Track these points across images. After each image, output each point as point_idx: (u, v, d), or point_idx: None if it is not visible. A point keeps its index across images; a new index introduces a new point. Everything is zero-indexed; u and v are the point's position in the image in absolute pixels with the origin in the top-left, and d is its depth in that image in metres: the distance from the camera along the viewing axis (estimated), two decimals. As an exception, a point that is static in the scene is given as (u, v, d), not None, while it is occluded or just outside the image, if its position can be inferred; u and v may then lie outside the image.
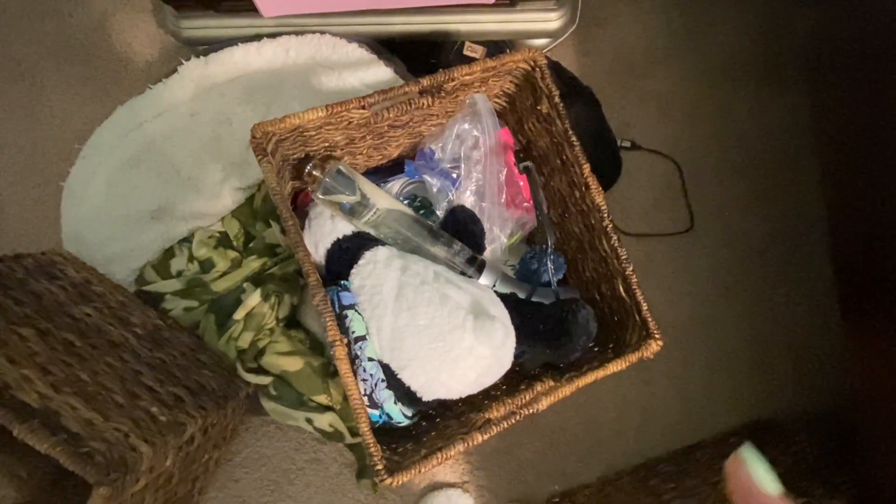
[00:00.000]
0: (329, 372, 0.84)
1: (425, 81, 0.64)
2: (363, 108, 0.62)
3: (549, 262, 0.74)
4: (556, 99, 0.68)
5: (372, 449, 0.54)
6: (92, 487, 0.53)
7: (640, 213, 1.02)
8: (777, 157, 1.03)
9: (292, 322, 0.85)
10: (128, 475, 0.55)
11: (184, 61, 0.87)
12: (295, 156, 0.70)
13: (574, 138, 0.67)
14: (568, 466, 0.93)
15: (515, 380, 0.71)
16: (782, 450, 0.77)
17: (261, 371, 0.82)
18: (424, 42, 0.96)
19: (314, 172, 0.69)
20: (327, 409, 0.84)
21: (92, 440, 0.56)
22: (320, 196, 0.69)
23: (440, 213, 0.79)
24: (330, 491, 0.91)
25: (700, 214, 1.01)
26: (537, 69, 0.68)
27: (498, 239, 0.81)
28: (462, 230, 0.76)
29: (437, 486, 0.91)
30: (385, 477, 0.54)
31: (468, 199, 0.81)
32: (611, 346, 0.71)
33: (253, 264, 0.84)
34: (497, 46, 1.00)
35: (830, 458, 0.75)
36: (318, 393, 0.83)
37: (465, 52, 1.00)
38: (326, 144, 0.70)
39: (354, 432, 0.86)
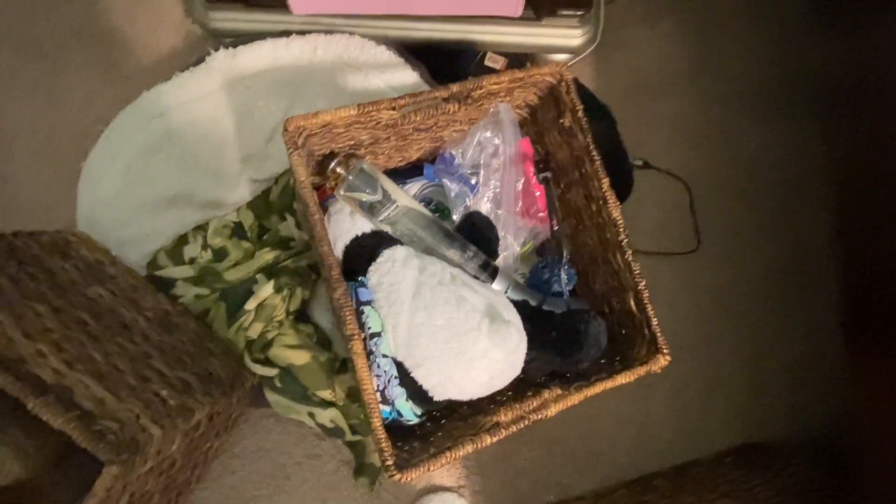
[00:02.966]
0: (334, 368, 0.84)
1: (455, 88, 0.65)
2: (393, 109, 0.64)
3: (561, 278, 0.75)
4: (580, 113, 0.69)
5: (383, 444, 0.55)
6: (102, 466, 0.54)
7: (647, 231, 1.03)
8: (784, 183, 1.06)
9: (301, 316, 0.86)
10: (137, 455, 0.56)
11: (212, 51, 0.88)
12: (320, 152, 0.71)
13: (595, 153, 0.69)
14: (563, 477, 0.94)
15: (522, 387, 0.71)
16: (777, 471, 0.78)
17: (267, 363, 0.82)
18: (448, 50, 0.98)
19: (338, 169, 0.70)
20: (330, 404, 0.85)
21: (104, 419, 0.56)
22: (343, 193, 0.70)
23: (456, 217, 0.81)
24: (326, 487, 0.91)
25: (706, 236, 1.03)
26: (563, 83, 0.70)
27: (511, 247, 0.82)
28: (477, 235, 0.77)
29: (433, 489, 0.91)
30: (395, 472, 0.54)
31: (484, 206, 0.82)
32: (618, 358, 0.72)
33: (266, 256, 0.85)
34: (517, 58, 1.02)
35: (826, 484, 0.76)
36: (322, 388, 0.83)
37: (487, 63, 1.01)
38: (352, 142, 0.71)
39: (354, 430, 0.87)
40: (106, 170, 0.86)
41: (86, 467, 0.58)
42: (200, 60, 0.88)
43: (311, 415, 0.84)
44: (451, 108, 0.70)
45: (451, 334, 0.59)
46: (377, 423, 0.56)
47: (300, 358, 0.82)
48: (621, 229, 0.68)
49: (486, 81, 0.67)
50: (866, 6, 0.93)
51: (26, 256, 0.73)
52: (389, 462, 0.55)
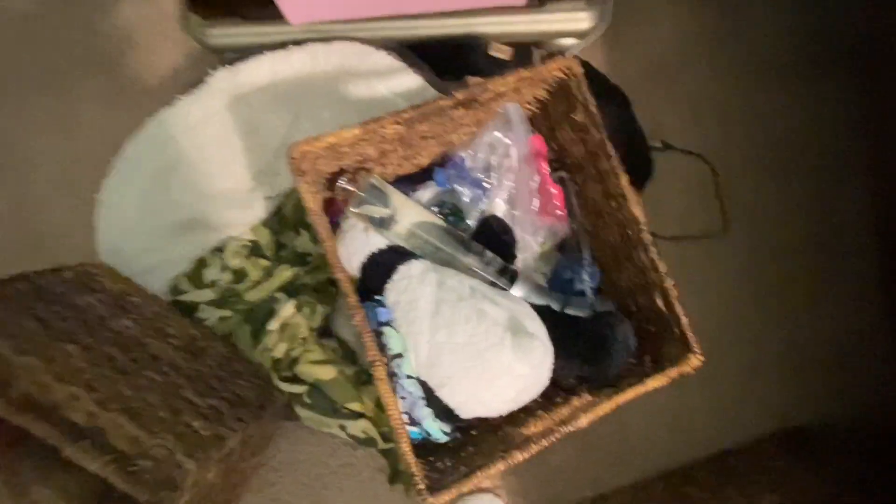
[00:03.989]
0: (362, 380, 0.84)
1: (460, 95, 0.63)
2: (398, 123, 0.62)
3: (584, 274, 0.73)
4: (593, 108, 0.66)
5: (414, 469, 0.55)
6: (141, 505, 0.55)
7: (672, 215, 1.00)
8: (814, 157, 1.00)
9: (325, 331, 0.86)
10: (175, 492, 0.57)
11: (211, 71, 0.87)
12: (328, 170, 0.69)
13: (611, 149, 0.66)
14: (599, 473, 0.93)
15: (551, 392, 0.70)
16: (824, 461, 0.76)
17: (295, 380, 0.83)
18: (450, 43, 0.95)
19: (347, 187, 0.69)
20: (360, 415, 0.85)
21: (139, 458, 0.57)
22: (354, 210, 0.69)
23: (472, 222, 0.79)
24: (363, 495, 0.92)
25: (735, 217, 0.99)
26: (573, 77, 0.67)
27: (530, 247, 0.80)
28: (494, 240, 0.75)
29: (470, 490, 0.92)
30: (427, 497, 0.54)
31: (500, 208, 0.80)
32: (647, 358, 0.70)
33: (285, 273, 0.85)
34: (524, 45, 0.98)
35: (877, 472, 0.73)
36: (352, 401, 0.83)
37: (492, 53, 0.98)
38: (359, 158, 0.69)
39: (387, 438, 0.87)
40: (121, 200, 0.86)
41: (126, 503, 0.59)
42: (201, 80, 0.87)
43: (343, 427, 0.85)
44: (458, 114, 0.68)
45: (474, 352, 0.58)
46: (406, 447, 0.55)
47: (327, 373, 0.82)
48: (643, 227, 0.65)
49: (491, 84, 0.64)
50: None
51: (52, 295, 0.74)
52: (421, 486, 0.54)
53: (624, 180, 0.66)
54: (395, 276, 0.66)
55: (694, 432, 0.94)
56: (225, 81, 0.85)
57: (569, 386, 0.70)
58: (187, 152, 0.86)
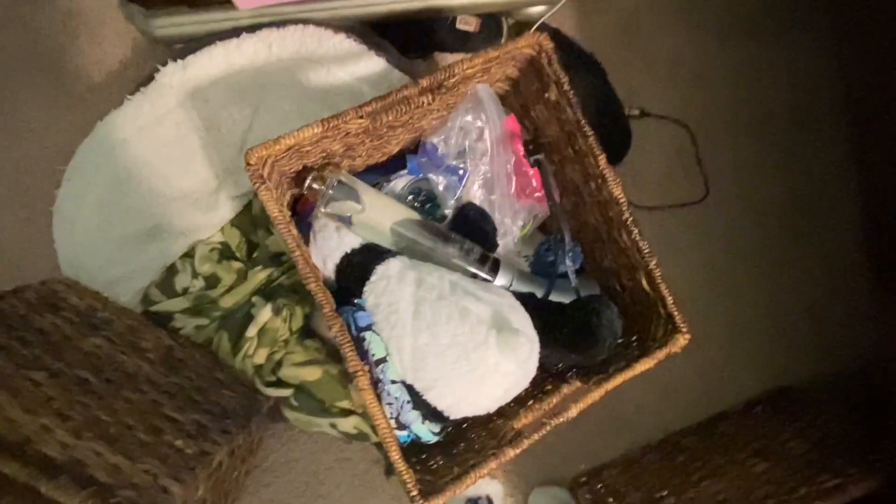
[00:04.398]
0: (348, 377, 0.83)
1: (425, 82, 0.59)
2: (361, 117, 0.58)
3: (565, 258, 0.71)
4: (566, 86, 0.63)
5: (405, 476, 0.54)
6: (128, 535, 0.53)
7: (652, 183, 0.98)
8: (793, 115, 0.98)
9: (306, 331, 0.84)
10: (162, 519, 0.55)
11: (160, 67, 0.81)
12: (292, 169, 0.66)
13: (587, 128, 0.63)
14: (593, 446, 0.94)
15: (540, 379, 0.69)
16: (809, 421, 0.77)
17: (280, 383, 0.81)
18: (414, 19, 0.89)
19: (314, 185, 0.66)
20: (350, 412, 0.84)
21: (121, 488, 0.55)
22: (324, 210, 0.66)
23: (448, 211, 0.76)
24: (361, 488, 0.92)
25: (715, 181, 0.98)
26: (543, 54, 0.63)
27: (510, 231, 0.78)
28: (473, 228, 0.73)
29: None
30: (420, 501, 0.53)
31: (476, 193, 0.77)
32: (634, 339, 0.70)
33: (259, 276, 0.82)
34: (492, 16, 0.93)
35: (861, 430, 0.74)
36: (340, 399, 0.82)
37: (459, 26, 0.93)
38: (325, 154, 0.66)
39: (379, 431, 0.86)
40: (78, 210, 0.81)
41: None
42: (150, 77, 0.82)
43: (333, 425, 0.84)
44: (425, 101, 0.64)
45: (459, 353, 0.56)
46: (395, 455, 0.54)
47: (312, 374, 0.80)
48: (624, 208, 0.63)
49: (458, 68, 0.61)
50: None
51: (14, 320, 0.71)
52: (414, 493, 0.54)
53: (602, 160, 0.63)
54: (373, 278, 0.63)
55: (685, 400, 0.95)
56: (176, 76, 0.80)
57: (558, 372, 0.70)
58: (142, 155, 0.81)
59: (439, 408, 0.58)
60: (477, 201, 0.77)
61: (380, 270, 0.63)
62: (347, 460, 0.92)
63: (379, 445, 0.89)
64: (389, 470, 0.89)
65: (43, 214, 0.88)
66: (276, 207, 0.54)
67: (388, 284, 0.62)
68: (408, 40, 0.91)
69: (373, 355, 0.59)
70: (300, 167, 0.66)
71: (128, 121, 0.80)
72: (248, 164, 0.54)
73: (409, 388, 0.59)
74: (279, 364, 0.81)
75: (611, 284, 0.74)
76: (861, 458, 0.65)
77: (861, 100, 0.86)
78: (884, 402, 0.73)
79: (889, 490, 0.62)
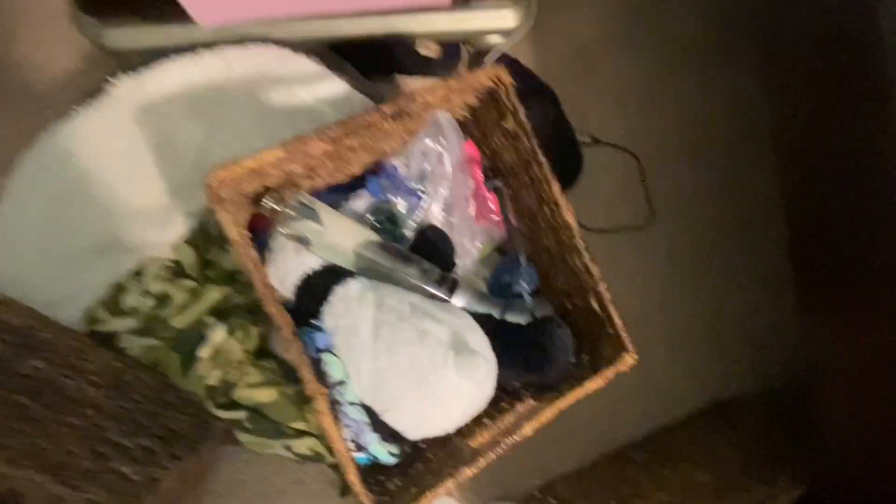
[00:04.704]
0: (304, 398, 0.82)
1: (388, 109, 0.61)
2: (324, 142, 0.59)
3: (521, 279, 0.74)
4: (522, 117, 0.66)
5: (363, 498, 0.54)
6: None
7: (601, 206, 1.03)
8: (733, 143, 1.06)
9: (261, 352, 0.83)
10: (107, 551, 0.53)
11: (111, 79, 0.79)
12: (251, 189, 0.65)
13: (542, 157, 0.66)
14: (546, 460, 0.96)
15: (495, 397, 0.71)
16: (744, 433, 0.82)
17: (233, 405, 0.79)
18: (376, 42, 0.91)
19: (274, 206, 0.66)
20: (305, 433, 0.83)
21: (63, 521, 0.53)
22: (282, 231, 0.66)
23: (408, 231, 0.77)
24: (314, 510, 0.90)
25: (660, 203, 1.04)
26: (501, 86, 0.66)
27: (469, 252, 0.80)
28: (433, 250, 0.75)
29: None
30: (378, 524, 0.54)
31: (436, 215, 0.79)
32: (585, 356, 0.73)
33: (213, 295, 0.80)
34: (452, 43, 0.96)
35: (790, 441, 0.80)
36: (295, 420, 0.81)
37: (420, 51, 0.95)
38: (284, 175, 0.66)
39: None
40: (19, 226, 0.78)
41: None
42: (99, 87, 0.79)
43: (288, 447, 0.82)
44: (388, 125, 0.65)
45: (419, 375, 0.57)
46: (353, 478, 0.55)
47: (267, 395, 0.79)
48: (576, 234, 0.67)
49: (419, 96, 0.62)
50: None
51: (-58, 340, 0.67)
52: (372, 516, 0.54)
53: (556, 188, 0.67)
54: (332, 299, 0.63)
55: (633, 413, 0.99)
56: (129, 90, 0.78)
57: (513, 389, 0.72)
58: (91, 170, 0.78)
59: (398, 429, 0.59)
60: (437, 223, 0.78)
61: (339, 292, 0.64)
62: (301, 482, 0.91)
63: (335, 466, 0.88)
64: (345, 490, 0.88)
65: (-23, 228, 0.83)
66: (234, 230, 0.54)
67: (347, 306, 0.62)
68: (369, 63, 0.92)
69: (331, 377, 0.60)
70: (259, 187, 0.66)
71: (75, 133, 0.77)
72: (207, 185, 0.53)
73: (368, 410, 0.60)
74: (233, 386, 0.79)
75: (563, 305, 0.77)
76: (790, 467, 0.71)
77: (784, 128, 0.93)
78: (807, 413, 0.79)
79: (812, 499, 0.67)
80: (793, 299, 0.90)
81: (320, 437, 0.83)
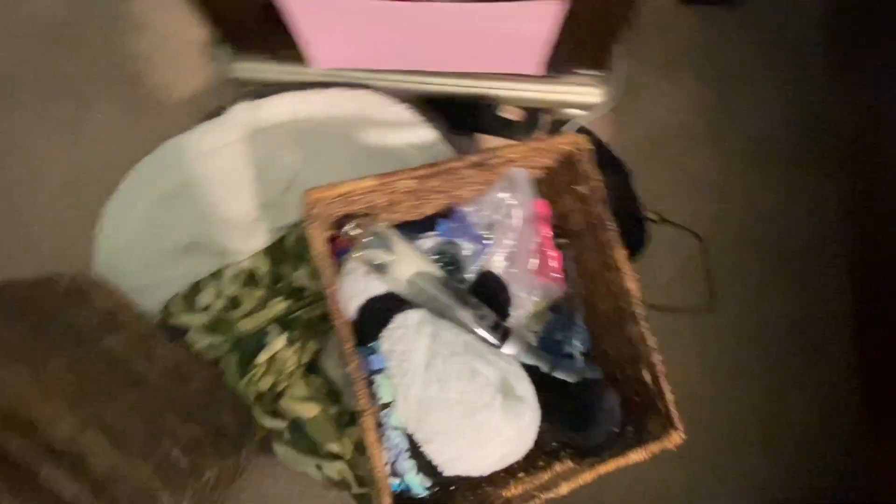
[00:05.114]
0: (343, 421, 0.84)
1: (474, 158, 0.66)
2: (412, 179, 0.64)
3: (574, 338, 0.74)
4: (597, 183, 0.69)
5: (392, 524, 0.55)
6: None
7: (661, 285, 1.02)
8: (802, 242, 1.05)
9: (311, 367, 0.86)
10: (147, 525, 0.56)
11: (229, 107, 0.89)
12: (337, 213, 0.71)
13: (610, 223, 0.69)
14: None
15: (533, 455, 0.70)
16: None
17: (277, 415, 0.82)
18: (463, 102, 0.99)
19: (352, 232, 0.71)
20: (338, 457, 0.84)
21: (115, 487, 0.56)
22: (356, 254, 0.70)
23: (469, 275, 0.80)
24: (331, 539, 0.90)
25: (721, 290, 1.02)
26: (581, 153, 0.70)
27: (524, 305, 0.82)
28: (490, 295, 0.77)
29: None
30: (402, 554, 0.54)
31: (498, 265, 0.82)
32: (630, 428, 0.72)
33: (279, 305, 0.85)
34: (533, 110, 1.03)
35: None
36: (331, 441, 0.83)
37: (502, 114, 1.02)
38: (369, 205, 0.71)
39: (362, 482, 0.86)
40: (124, 217, 0.87)
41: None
42: (221, 111, 0.90)
43: (319, 467, 0.84)
44: (468, 173, 0.70)
45: (465, 410, 0.59)
46: (386, 500, 0.55)
47: (310, 410, 0.82)
48: (637, 301, 0.68)
49: (503, 152, 0.67)
50: (884, 59, 0.93)
51: (45, 305, 0.74)
52: (398, 542, 0.54)
53: (621, 254, 0.68)
54: (392, 325, 0.66)
55: (671, 498, 0.94)
56: (245, 114, 0.88)
57: (551, 450, 0.71)
58: (197, 177, 0.88)
59: (435, 461, 0.60)
60: (497, 272, 0.81)
61: (399, 319, 0.67)
62: (323, 508, 0.91)
63: (359, 498, 0.88)
64: (367, 523, 0.88)
65: (88, 216, 0.93)
66: (320, 243, 0.59)
67: (405, 333, 0.65)
68: (455, 119, 1.00)
69: (380, 399, 0.62)
70: (342, 213, 0.72)
71: (192, 144, 0.87)
72: (305, 202, 0.59)
73: (409, 438, 0.61)
74: (280, 395, 0.82)
75: (613, 373, 0.76)
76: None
77: (862, 243, 0.92)
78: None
79: None
80: (857, 415, 0.85)
81: (352, 463, 0.84)
